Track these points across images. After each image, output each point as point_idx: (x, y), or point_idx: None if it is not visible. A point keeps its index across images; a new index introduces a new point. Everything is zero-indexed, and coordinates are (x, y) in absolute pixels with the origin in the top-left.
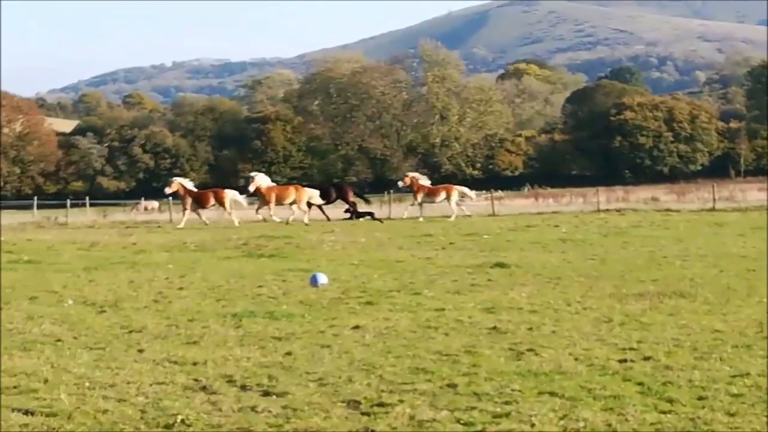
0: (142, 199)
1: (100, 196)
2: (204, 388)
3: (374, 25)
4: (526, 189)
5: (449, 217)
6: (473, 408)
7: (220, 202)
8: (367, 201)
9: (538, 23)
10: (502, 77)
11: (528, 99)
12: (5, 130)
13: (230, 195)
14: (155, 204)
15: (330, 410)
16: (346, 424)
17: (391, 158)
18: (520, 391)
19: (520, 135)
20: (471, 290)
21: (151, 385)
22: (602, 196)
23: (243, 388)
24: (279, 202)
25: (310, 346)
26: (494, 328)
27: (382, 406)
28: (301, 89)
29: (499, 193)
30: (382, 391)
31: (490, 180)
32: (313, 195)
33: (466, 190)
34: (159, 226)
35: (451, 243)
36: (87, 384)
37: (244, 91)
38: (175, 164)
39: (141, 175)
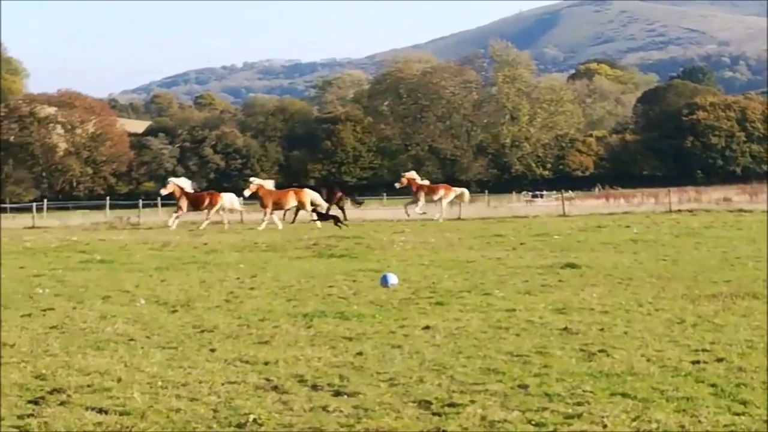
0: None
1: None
2: (275, 388)
3: (444, 26)
4: (597, 189)
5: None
6: (545, 409)
7: (213, 204)
8: (357, 203)
9: (609, 23)
10: (573, 77)
11: (599, 99)
12: (78, 131)
13: (226, 198)
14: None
15: (401, 410)
16: (417, 424)
17: (462, 159)
18: (591, 392)
19: (591, 135)
20: (542, 291)
21: (223, 384)
22: (674, 197)
23: (314, 387)
24: (279, 206)
25: (381, 346)
26: (565, 328)
27: (453, 406)
28: (371, 90)
29: (570, 193)
30: (453, 391)
31: (561, 180)
32: (315, 198)
33: (464, 191)
34: (231, 224)
35: (521, 243)
36: (160, 383)
37: (314, 92)
38: (246, 165)
39: (212, 176)
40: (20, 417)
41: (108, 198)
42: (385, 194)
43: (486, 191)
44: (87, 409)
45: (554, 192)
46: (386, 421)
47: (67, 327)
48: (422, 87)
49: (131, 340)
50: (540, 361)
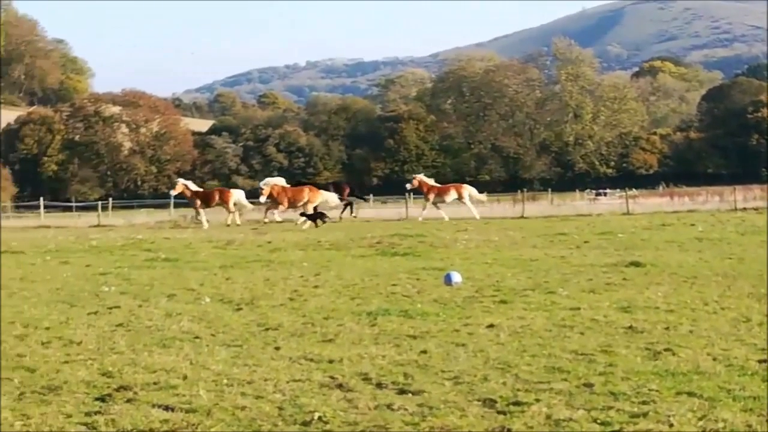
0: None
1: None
2: (340, 386)
3: (507, 24)
4: (661, 187)
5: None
6: (610, 408)
7: (225, 201)
8: (364, 199)
9: (673, 20)
10: (636, 75)
11: (663, 97)
12: (143, 130)
13: (236, 195)
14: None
15: (466, 409)
16: (482, 422)
17: (524, 157)
18: (657, 390)
19: (654, 133)
20: (606, 289)
21: (288, 382)
22: (739, 195)
23: (379, 385)
24: (292, 204)
25: (445, 345)
26: (630, 327)
27: (518, 404)
28: (434, 88)
29: (634, 191)
30: (518, 389)
31: (625, 178)
32: (329, 197)
33: (474, 191)
34: (294, 224)
35: (585, 242)
36: (225, 381)
37: (377, 90)
38: (309, 163)
39: (275, 174)
40: (87, 414)
41: (172, 196)
42: None
43: (549, 189)
44: (153, 406)
45: (618, 190)
46: (451, 420)
47: (133, 325)
48: (485, 85)
49: (196, 337)
50: (605, 359)
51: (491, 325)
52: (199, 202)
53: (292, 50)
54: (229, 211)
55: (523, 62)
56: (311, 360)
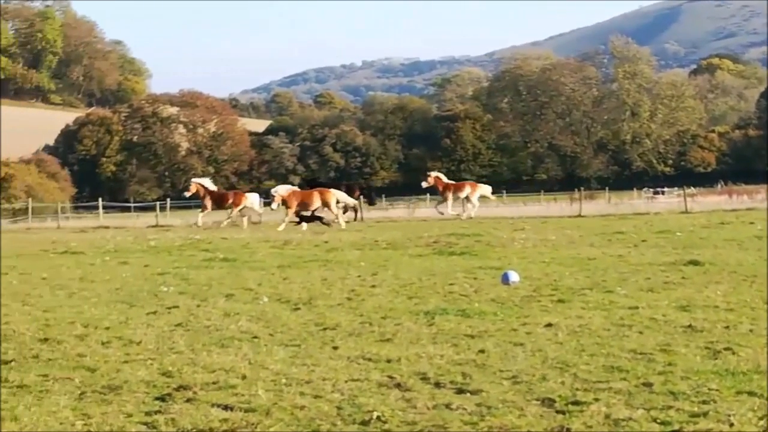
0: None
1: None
2: (398, 385)
3: (564, 22)
4: (719, 185)
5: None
6: (669, 407)
7: (237, 204)
8: (370, 203)
9: (731, 17)
10: (694, 72)
11: (721, 94)
12: (200, 130)
13: (249, 199)
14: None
15: (524, 408)
16: (541, 422)
17: (582, 155)
18: (717, 390)
19: (713, 131)
20: (664, 288)
21: (346, 381)
22: None
23: (437, 385)
24: (304, 207)
25: (503, 344)
26: (689, 326)
27: (577, 404)
28: (490, 87)
29: (692, 189)
30: (577, 389)
31: (683, 176)
32: (340, 195)
33: (487, 190)
34: (349, 223)
35: (643, 240)
36: (284, 380)
37: (433, 90)
38: (365, 163)
39: (332, 174)
40: (148, 413)
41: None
42: (504, 191)
43: (606, 188)
44: (213, 405)
45: (676, 188)
46: (509, 419)
47: (191, 324)
48: (542, 84)
49: (255, 337)
50: (664, 358)
51: (549, 325)
52: (210, 202)
53: (348, 50)
54: (241, 214)
55: (580, 60)
56: (369, 359)
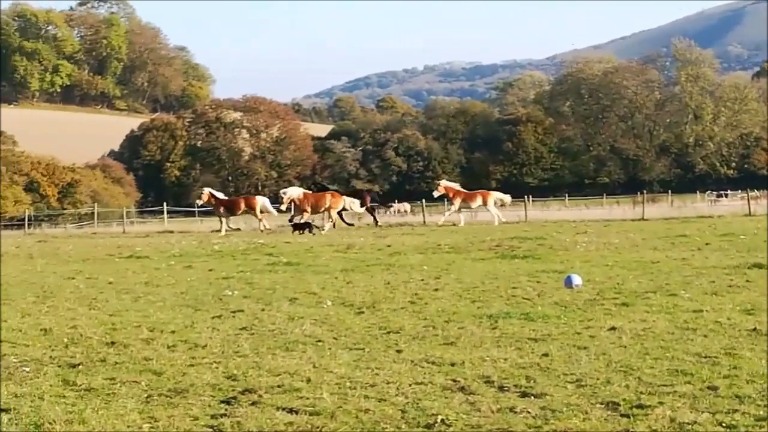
0: (395, 201)
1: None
2: (462, 389)
3: (625, 25)
4: None
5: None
6: (735, 411)
7: (251, 208)
8: (373, 209)
9: None
10: (757, 75)
11: None
12: (263, 135)
13: (261, 202)
14: (407, 206)
15: (588, 412)
16: (606, 425)
17: (644, 158)
18: None
19: None
20: (729, 291)
21: (410, 385)
22: None
23: (501, 388)
24: (315, 210)
25: (567, 347)
26: (754, 329)
27: (642, 408)
28: (552, 90)
29: (756, 192)
30: (641, 393)
31: (746, 179)
32: (352, 203)
33: (502, 195)
34: (412, 228)
35: (706, 244)
36: (348, 384)
37: (495, 94)
38: (428, 167)
39: (394, 178)
40: (213, 417)
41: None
42: (567, 195)
43: (669, 191)
44: (278, 409)
45: (739, 191)
46: (574, 423)
47: (256, 328)
48: (604, 87)
49: (319, 341)
50: (729, 362)
51: (613, 328)
52: (222, 209)
53: (410, 54)
54: (258, 218)
55: (642, 63)
56: (433, 363)
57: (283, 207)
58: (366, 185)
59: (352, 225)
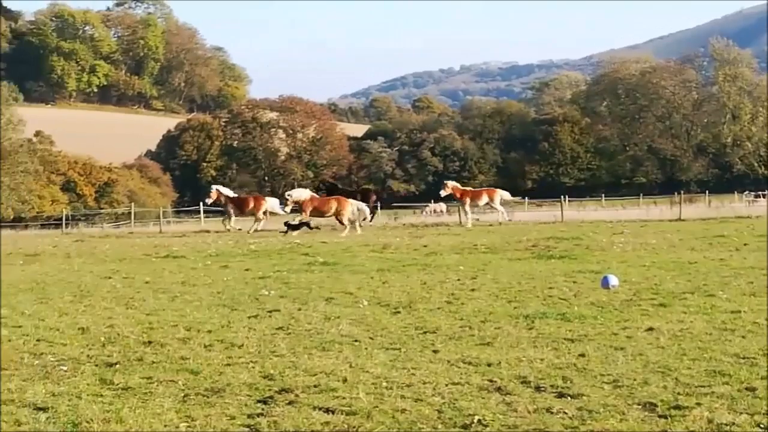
0: (432, 201)
1: (390, 199)
2: (499, 389)
3: (663, 25)
4: None
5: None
6: None
7: (257, 208)
8: (375, 208)
9: None
10: None
11: None
12: (299, 135)
13: (269, 203)
14: (443, 206)
15: (626, 412)
16: (643, 426)
17: (681, 159)
18: None
19: None
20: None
21: (446, 385)
22: None
23: (537, 389)
24: (320, 214)
25: (604, 348)
26: None
27: (679, 408)
28: (588, 90)
29: None
30: (679, 393)
31: None
32: (357, 206)
33: (506, 194)
34: (449, 228)
35: (744, 244)
36: (384, 383)
37: (531, 93)
38: (464, 167)
39: (430, 178)
40: (250, 416)
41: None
42: (603, 195)
43: (707, 191)
44: (314, 408)
45: None
46: (611, 423)
47: (292, 328)
48: (641, 87)
49: (355, 341)
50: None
51: (650, 329)
52: (232, 207)
53: (446, 54)
54: (257, 219)
55: (680, 63)
56: (469, 363)
57: (287, 209)
58: (402, 185)
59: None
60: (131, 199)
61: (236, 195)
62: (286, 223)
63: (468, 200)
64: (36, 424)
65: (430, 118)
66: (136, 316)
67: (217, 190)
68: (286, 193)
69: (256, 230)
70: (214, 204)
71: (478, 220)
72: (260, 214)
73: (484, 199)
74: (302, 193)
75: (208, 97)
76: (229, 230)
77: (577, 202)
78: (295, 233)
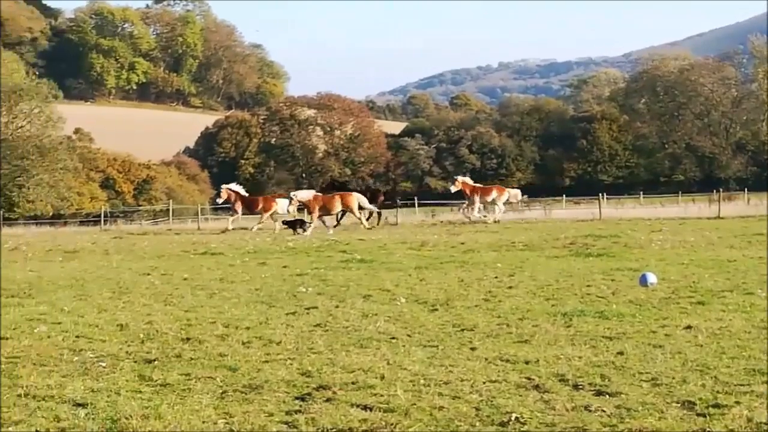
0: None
1: (428, 197)
2: (536, 387)
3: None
4: None
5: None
6: None
7: (267, 209)
8: (395, 205)
9: None
10: None
11: None
12: (337, 132)
13: (279, 205)
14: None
15: (664, 411)
16: (682, 425)
17: (720, 156)
18: None
19: None
20: None
21: (484, 383)
22: None
23: (575, 387)
24: (326, 212)
25: (642, 346)
26: None
27: (718, 407)
28: (627, 88)
29: None
30: (718, 392)
31: None
32: (362, 200)
33: (517, 192)
34: (486, 225)
35: None
36: (422, 381)
37: (569, 91)
38: (501, 164)
39: (468, 176)
40: (288, 413)
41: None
42: (641, 193)
43: (745, 189)
44: (352, 405)
45: None
46: (649, 422)
47: (330, 325)
48: (680, 84)
49: (393, 338)
50: None
51: (688, 327)
52: (241, 206)
53: (484, 51)
54: (262, 220)
55: (719, 60)
56: (507, 361)
57: (291, 209)
58: (440, 182)
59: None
60: (169, 196)
61: (247, 194)
62: (283, 221)
63: (477, 197)
64: (75, 420)
65: (468, 115)
66: (174, 313)
67: (227, 189)
68: (291, 193)
69: (259, 229)
70: (226, 203)
71: (485, 216)
72: (266, 216)
73: (493, 195)
74: (307, 194)
75: (246, 94)
76: (226, 230)
77: (615, 199)
78: (294, 230)
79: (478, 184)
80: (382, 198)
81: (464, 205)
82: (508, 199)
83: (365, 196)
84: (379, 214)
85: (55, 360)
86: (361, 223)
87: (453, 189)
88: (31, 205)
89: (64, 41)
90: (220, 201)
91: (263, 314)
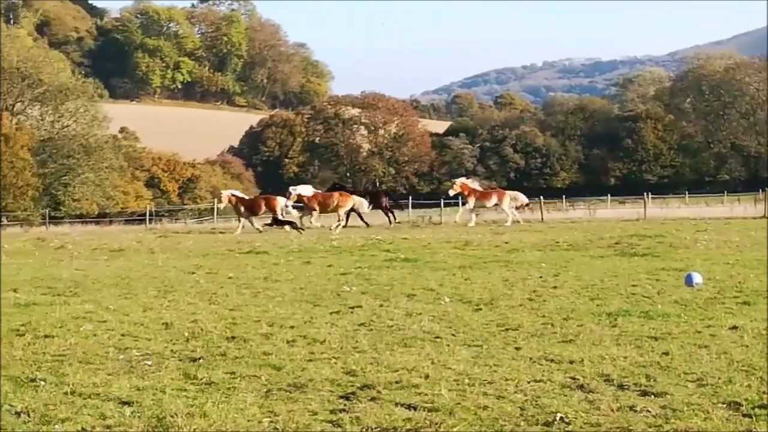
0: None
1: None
2: (581, 387)
3: (748, 21)
4: None
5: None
6: None
7: (272, 209)
8: (400, 207)
9: None
10: None
11: None
12: (381, 131)
13: (281, 203)
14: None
15: (710, 411)
16: (728, 425)
17: (766, 156)
18: None
19: None
20: None
21: (529, 382)
22: None
23: (620, 387)
24: (324, 209)
25: (687, 346)
26: None
27: (765, 408)
28: (672, 87)
29: None
30: (764, 393)
31: None
32: (360, 203)
33: (519, 196)
34: (530, 224)
35: None
36: (466, 380)
37: (614, 90)
38: (545, 164)
39: (512, 175)
40: (332, 412)
41: (410, 197)
42: (687, 192)
43: None
44: (396, 405)
45: None
46: (695, 422)
47: (374, 324)
48: (725, 83)
49: (437, 337)
50: None
51: (734, 327)
52: (243, 209)
53: (529, 50)
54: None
55: (765, 60)
56: (552, 360)
57: (290, 202)
58: (484, 182)
59: (369, 225)
60: (214, 195)
61: (247, 197)
62: (273, 219)
63: (473, 199)
64: (121, 418)
65: (512, 114)
66: (219, 312)
67: (229, 195)
68: (290, 188)
69: (262, 226)
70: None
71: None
72: (279, 215)
73: (493, 200)
74: (306, 189)
75: (291, 93)
76: (240, 231)
77: (660, 199)
78: (282, 227)
79: (478, 188)
80: (384, 201)
81: (465, 207)
82: (517, 205)
83: (368, 198)
84: (393, 213)
85: (100, 358)
86: (341, 225)
87: (452, 192)
88: (77, 204)
89: (109, 40)
90: (221, 206)
91: (308, 313)
